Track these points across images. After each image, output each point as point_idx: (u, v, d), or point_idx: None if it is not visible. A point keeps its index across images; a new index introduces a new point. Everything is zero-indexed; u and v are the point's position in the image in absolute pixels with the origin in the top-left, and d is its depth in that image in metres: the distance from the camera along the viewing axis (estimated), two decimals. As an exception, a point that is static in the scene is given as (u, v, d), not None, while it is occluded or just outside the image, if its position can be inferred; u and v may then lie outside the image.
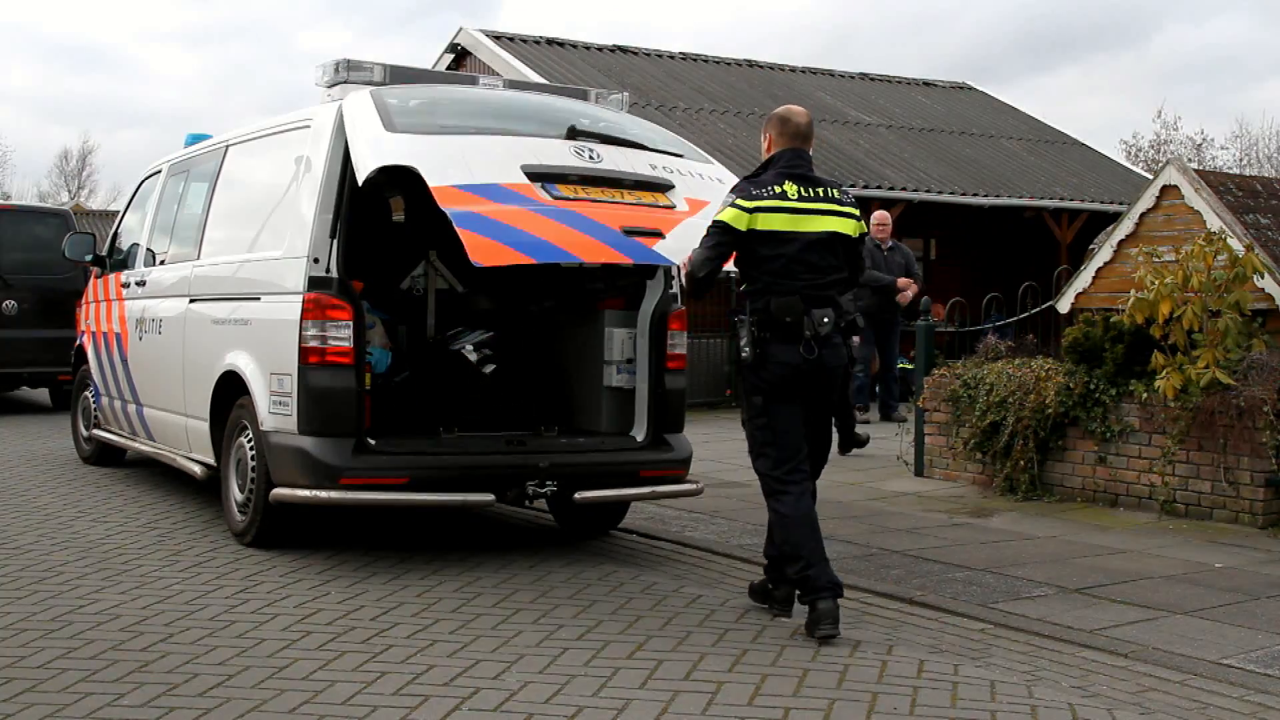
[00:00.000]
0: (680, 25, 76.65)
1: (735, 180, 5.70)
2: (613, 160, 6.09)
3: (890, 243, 12.71)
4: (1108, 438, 8.30)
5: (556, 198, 5.62)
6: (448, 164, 5.59)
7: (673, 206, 6.04)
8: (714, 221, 5.19)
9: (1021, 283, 11.67)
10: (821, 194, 5.21)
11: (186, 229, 7.98)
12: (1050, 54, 73.06)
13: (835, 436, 5.61)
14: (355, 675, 4.42)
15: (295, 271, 6.18)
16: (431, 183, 5.38)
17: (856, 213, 5.34)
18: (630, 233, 5.53)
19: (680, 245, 5.46)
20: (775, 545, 5.32)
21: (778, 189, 5.14)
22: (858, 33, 78.39)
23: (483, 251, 5.12)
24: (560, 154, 5.96)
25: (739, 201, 5.13)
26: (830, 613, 4.99)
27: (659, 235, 5.57)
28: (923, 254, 20.88)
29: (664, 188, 6.13)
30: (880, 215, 12.96)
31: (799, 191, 5.16)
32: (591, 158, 6.01)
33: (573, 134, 6.20)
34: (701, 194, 6.03)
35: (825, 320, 5.13)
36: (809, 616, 5.07)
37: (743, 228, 5.09)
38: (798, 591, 5.21)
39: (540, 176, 5.72)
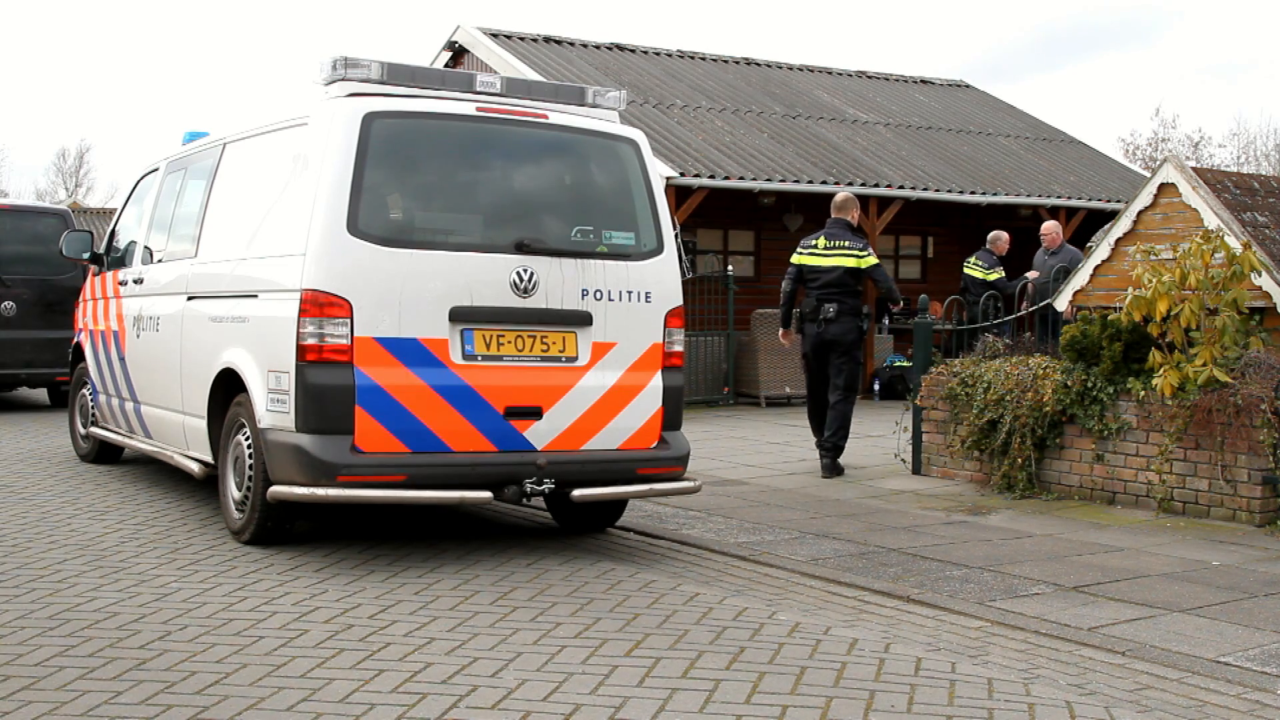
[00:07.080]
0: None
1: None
2: (546, 285, 6.41)
3: (1056, 249, 13.12)
4: (1105, 435, 8.31)
5: (467, 357, 6.22)
6: (383, 304, 6.08)
7: (574, 359, 6.47)
8: (790, 263, 9.91)
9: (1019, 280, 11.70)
10: (838, 245, 9.67)
11: (184, 226, 7.97)
12: (1050, 52, 73.14)
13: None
14: (353, 673, 4.42)
15: (293, 269, 6.18)
16: (358, 333, 6.03)
17: (862, 254, 9.63)
18: (512, 413, 6.26)
19: (553, 426, 6.35)
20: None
21: (814, 242, 9.81)
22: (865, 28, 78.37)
23: (371, 439, 6.02)
24: (498, 281, 6.31)
25: (798, 250, 9.88)
26: (825, 465, 9.60)
27: (538, 415, 6.33)
28: (920, 252, 20.91)
29: (583, 322, 6.47)
30: (1046, 226, 13.57)
31: (825, 244, 9.73)
32: (526, 290, 6.35)
33: (520, 248, 6.38)
34: (611, 334, 6.57)
35: (830, 308, 9.52)
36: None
37: (798, 263, 9.81)
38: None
39: (464, 319, 6.24)
